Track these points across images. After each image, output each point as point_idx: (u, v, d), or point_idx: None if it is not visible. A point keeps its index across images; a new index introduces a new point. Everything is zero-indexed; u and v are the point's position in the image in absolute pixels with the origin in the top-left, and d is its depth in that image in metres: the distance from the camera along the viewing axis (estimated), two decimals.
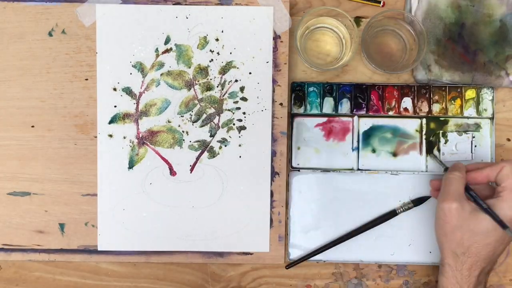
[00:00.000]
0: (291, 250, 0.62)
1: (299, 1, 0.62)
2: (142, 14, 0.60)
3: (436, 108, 0.62)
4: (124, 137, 0.61)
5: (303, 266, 0.62)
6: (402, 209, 0.61)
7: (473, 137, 0.62)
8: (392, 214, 0.61)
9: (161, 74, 0.61)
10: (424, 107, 0.62)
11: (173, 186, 0.61)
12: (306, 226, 0.62)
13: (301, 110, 0.62)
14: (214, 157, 0.61)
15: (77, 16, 0.60)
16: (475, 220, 0.51)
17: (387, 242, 0.62)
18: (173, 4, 0.61)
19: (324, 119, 0.62)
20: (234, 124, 0.61)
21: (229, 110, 0.61)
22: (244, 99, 0.61)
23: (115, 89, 0.61)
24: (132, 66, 0.61)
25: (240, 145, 0.61)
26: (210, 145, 0.61)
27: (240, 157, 0.61)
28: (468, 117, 0.62)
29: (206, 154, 0.61)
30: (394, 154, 0.62)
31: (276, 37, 0.60)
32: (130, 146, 0.61)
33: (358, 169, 0.62)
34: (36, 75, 0.61)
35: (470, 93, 0.62)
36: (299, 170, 0.62)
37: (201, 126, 0.61)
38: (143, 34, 0.61)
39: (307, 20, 0.60)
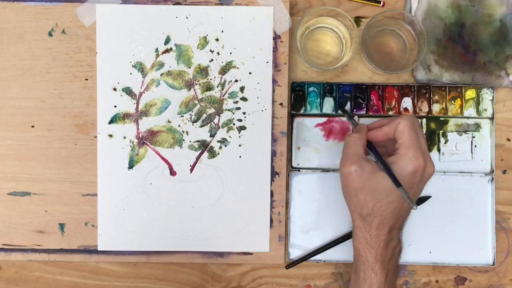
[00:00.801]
0: (291, 250, 0.62)
1: (299, 1, 0.62)
2: (142, 14, 0.60)
3: (436, 108, 0.62)
4: (124, 137, 0.61)
5: (303, 266, 0.62)
6: None
7: (473, 137, 0.62)
8: None
9: (161, 74, 0.61)
10: (424, 107, 0.62)
11: (173, 186, 0.61)
12: (306, 226, 0.62)
13: (301, 110, 0.62)
14: (214, 157, 0.61)
15: (77, 16, 0.60)
16: (374, 180, 0.51)
17: None
18: (173, 4, 0.61)
19: (324, 119, 0.62)
20: (234, 124, 0.61)
21: (229, 110, 0.61)
22: (244, 99, 0.61)
23: (115, 89, 0.61)
24: (132, 66, 0.61)
25: (240, 145, 0.61)
26: (210, 145, 0.61)
27: (240, 157, 0.61)
28: (468, 117, 0.62)
29: (206, 154, 0.61)
30: None
31: (276, 37, 0.61)
32: (130, 146, 0.61)
33: None
34: (36, 75, 0.61)
35: (470, 93, 0.62)
36: (299, 170, 0.62)
37: (201, 126, 0.61)
38: (143, 34, 0.61)
39: (307, 20, 0.60)
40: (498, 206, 0.62)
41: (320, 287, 0.63)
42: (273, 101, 0.61)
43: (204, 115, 0.61)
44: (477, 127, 0.62)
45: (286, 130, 0.61)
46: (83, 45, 0.61)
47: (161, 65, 0.61)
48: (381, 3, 0.62)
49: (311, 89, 0.62)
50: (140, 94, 0.61)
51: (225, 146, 0.61)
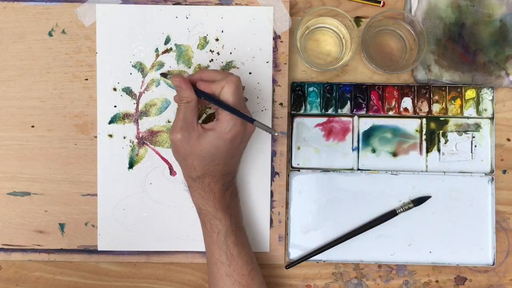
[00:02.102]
0: (291, 250, 0.62)
1: (299, 1, 0.62)
2: (142, 14, 0.60)
3: (436, 108, 0.62)
4: (124, 137, 0.61)
5: (303, 266, 0.62)
6: (402, 209, 0.61)
7: (473, 137, 0.62)
8: (392, 214, 0.61)
9: (160, 74, 0.61)
10: (424, 107, 0.62)
11: (173, 186, 0.61)
12: (306, 226, 0.62)
13: (301, 110, 0.62)
14: None
15: (77, 16, 0.60)
16: (200, 146, 0.52)
17: (387, 242, 0.62)
18: (173, 4, 0.61)
19: (324, 119, 0.62)
20: None
21: None
22: (245, 99, 0.60)
23: (115, 89, 0.61)
24: (132, 66, 0.61)
25: None
26: None
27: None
28: (468, 117, 0.62)
29: None
30: (394, 154, 0.62)
31: (276, 37, 0.61)
32: (130, 146, 0.61)
33: (358, 169, 0.62)
34: (36, 75, 0.61)
35: (470, 93, 0.62)
36: (299, 170, 0.62)
37: None
38: (143, 34, 0.61)
39: (307, 20, 0.60)
40: (498, 206, 0.62)
41: (320, 287, 0.63)
42: (273, 101, 0.61)
43: (204, 115, 0.61)
44: (477, 127, 0.62)
45: (286, 130, 0.61)
46: (83, 45, 0.61)
47: (161, 65, 0.61)
48: (381, 3, 0.62)
49: (311, 89, 0.62)
50: (140, 94, 0.61)
51: None
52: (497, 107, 0.63)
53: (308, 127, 0.62)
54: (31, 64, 0.61)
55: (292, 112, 0.62)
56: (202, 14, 0.61)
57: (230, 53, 0.61)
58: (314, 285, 0.63)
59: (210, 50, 0.61)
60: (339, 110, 0.62)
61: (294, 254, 0.62)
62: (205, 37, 0.61)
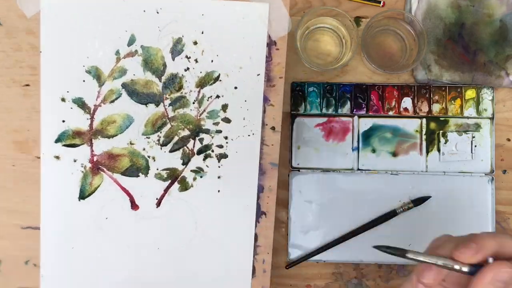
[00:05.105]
0: (291, 250, 0.62)
1: (299, 1, 0.62)
2: (100, 5, 0.49)
3: (436, 108, 0.62)
4: (75, 160, 0.50)
5: (303, 266, 0.62)
6: (402, 209, 0.61)
7: (473, 137, 0.62)
8: (392, 214, 0.61)
9: (122, 84, 0.50)
10: (424, 107, 0.62)
11: (134, 222, 0.51)
12: (306, 226, 0.62)
13: (301, 110, 0.62)
14: (186, 189, 0.51)
15: (17, 3, 0.48)
16: None
17: (387, 242, 0.62)
18: None
19: (324, 119, 0.62)
20: (213, 151, 0.51)
21: (207, 133, 0.51)
22: (226, 120, 0.51)
23: (63, 100, 0.50)
24: (86, 71, 0.49)
25: (219, 177, 0.51)
26: (182, 175, 0.51)
27: (218, 191, 0.52)
28: (468, 117, 0.62)
29: (176, 185, 0.51)
30: (394, 154, 0.62)
31: (270, 43, 0.50)
32: (82, 172, 0.50)
33: (358, 169, 0.62)
34: None
35: (470, 93, 0.62)
36: (299, 170, 0.62)
37: (172, 151, 0.51)
38: (101, 31, 0.49)
39: (307, 20, 0.60)
40: (498, 206, 0.62)
41: (320, 287, 0.63)
42: (263, 124, 0.51)
43: (176, 138, 0.51)
44: (477, 127, 0.62)
45: (277, 161, 0.52)
46: (24, 41, 0.49)
47: (123, 71, 0.50)
48: (381, 3, 0.62)
49: (311, 89, 0.62)
50: (96, 107, 0.50)
51: (201, 177, 0.51)
52: (497, 107, 0.63)
53: (308, 127, 0.62)
54: None
55: (292, 112, 0.62)
56: (177, 9, 0.49)
57: (212, 61, 0.50)
58: (314, 285, 0.63)
59: (186, 56, 0.50)
60: (339, 110, 0.62)
61: (294, 254, 0.62)
62: (180, 39, 0.50)
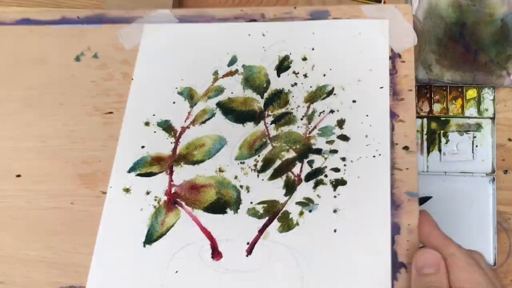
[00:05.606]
0: None
1: (299, 1, 0.62)
2: (203, 33, 0.45)
3: (437, 108, 0.62)
4: (148, 193, 0.40)
5: None
6: None
7: (474, 137, 0.61)
8: None
9: (217, 103, 0.43)
10: (425, 107, 0.62)
11: (215, 278, 0.37)
12: None
13: None
14: (289, 229, 0.38)
15: (118, 39, 0.46)
16: None
17: None
18: (247, 22, 0.45)
19: None
20: (326, 176, 0.39)
21: (318, 153, 0.40)
22: (344, 137, 0.41)
23: (147, 124, 0.42)
24: (178, 93, 0.43)
25: (335, 211, 0.38)
26: (284, 209, 0.39)
27: (335, 231, 0.38)
28: (469, 117, 0.62)
29: (276, 224, 0.38)
30: None
31: (394, 56, 0.43)
32: (155, 207, 0.40)
33: None
34: (44, 107, 0.44)
35: (471, 93, 0.62)
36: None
37: (271, 178, 0.40)
38: (201, 56, 0.44)
39: None
40: (499, 207, 0.62)
41: None
42: (393, 144, 0.40)
43: (278, 162, 0.40)
44: (478, 127, 0.62)
45: (417, 190, 0.39)
46: (117, 71, 0.45)
47: (220, 90, 0.43)
48: (381, 3, 0.62)
49: None
50: (183, 129, 0.42)
51: (310, 211, 0.38)
52: (498, 107, 0.62)
53: None
54: (42, 93, 0.45)
55: None
56: (285, 30, 0.44)
57: (324, 75, 0.43)
58: None
59: (294, 72, 0.43)
60: None
61: None
62: (287, 56, 0.43)
